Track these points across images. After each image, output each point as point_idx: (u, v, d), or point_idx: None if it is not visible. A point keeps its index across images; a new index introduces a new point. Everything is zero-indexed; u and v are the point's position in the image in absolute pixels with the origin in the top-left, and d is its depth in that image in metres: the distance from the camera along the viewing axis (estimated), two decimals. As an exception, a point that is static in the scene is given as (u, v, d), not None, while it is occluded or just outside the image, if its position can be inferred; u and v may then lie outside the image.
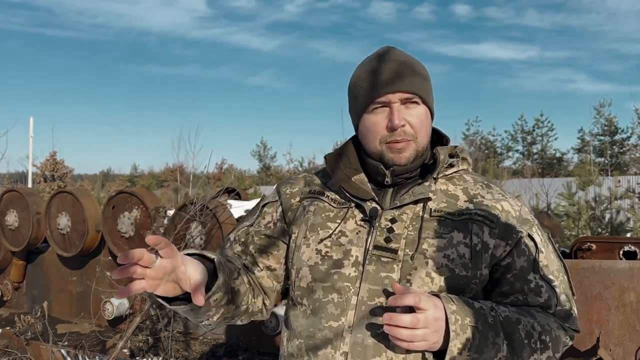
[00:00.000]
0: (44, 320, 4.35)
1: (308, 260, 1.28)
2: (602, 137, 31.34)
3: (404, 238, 1.22)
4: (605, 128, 31.15)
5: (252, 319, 1.42)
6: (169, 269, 1.11)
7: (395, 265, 1.21)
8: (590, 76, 66.48)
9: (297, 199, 1.39)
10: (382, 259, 1.21)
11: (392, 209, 1.26)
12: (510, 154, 36.69)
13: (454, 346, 1.11)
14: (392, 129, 1.25)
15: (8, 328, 4.48)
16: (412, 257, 1.20)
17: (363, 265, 1.22)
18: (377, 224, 1.24)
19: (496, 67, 66.95)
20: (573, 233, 7.47)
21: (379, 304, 1.19)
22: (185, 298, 1.19)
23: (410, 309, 1.12)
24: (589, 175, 8.76)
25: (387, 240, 1.23)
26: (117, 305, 4.05)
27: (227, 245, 1.46)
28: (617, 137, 31.26)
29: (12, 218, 4.72)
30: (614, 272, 2.75)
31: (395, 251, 1.21)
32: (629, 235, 7.39)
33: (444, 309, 1.12)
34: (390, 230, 1.23)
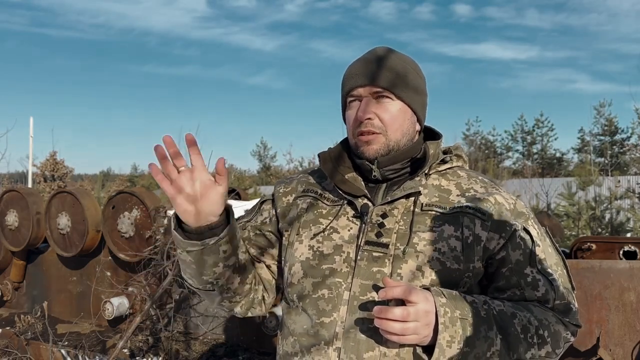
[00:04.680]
0: (44, 320, 4.35)
1: (300, 256, 1.29)
2: (602, 137, 31.36)
3: (394, 232, 1.22)
4: (605, 128, 31.17)
5: (251, 309, 1.42)
6: (193, 177, 1.15)
7: (386, 260, 1.20)
8: (590, 76, 66.53)
9: (290, 197, 1.40)
10: (374, 254, 1.21)
11: (384, 204, 1.26)
12: (510, 154, 36.73)
13: (443, 339, 1.10)
14: (357, 120, 1.28)
15: (8, 328, 4.48)
16: (403, 252, 1.20)
17: (355, 261, 1.22)
18: (368, 220, 1.25)
19: (497, 67, 67.03)
20: (573, 233, 7.47)
21: (371, 299, 1.18)
22: (198, 234, 1.21)
23: (402, 303, 1.11)
24: (589, 175, 8.76)
25: (378, 235, 1.23)
26: (117, 305, 4.05)
27: None
28: (617, 137, 31.28)
29: (12, 218, 4.72)
30: (614, 272, 2.75)
31: (386, 245, 1.21)
32: (629, 235, 7.38)
33: (434, 303, 1.11)
34: (381, 225, 1.24)
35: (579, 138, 34.42)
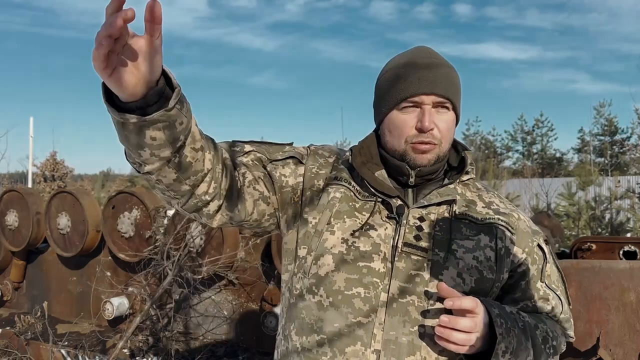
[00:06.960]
0: (44, 320, 4.36)
1: (332, 248, 1.24)
2: (602, 137, 31.34)
3: (432, 237, 1.23)
4: (605, 128, 31.16)
5: (194, 211, 1.22)
6: (125, 34, 0.89)
7: (425, 264, 1.20)
8: (591, 76, 66.40)
9: (321, 181, 1.31)
10: (412, 256, 1.21)
11: (419, 207, 1.26)
12: (510, 154, 36.69)
13: (500, 349, 1.14)
14: (421, 130, 1.24)
15: (8, 328, 4.48)
16: (444, 258, 1.21)
17: (392, 262, 1.21)
18: (405, 222, 1.24)
19: (497, 67, 66.94)
20: (573, 233, 7.47)
21: (410, 302, 1.18)
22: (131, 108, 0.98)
23: (448, 311, 1.14)
24: (589, 175, 8.76)
25: (417, 238, 1.22)
26: (117, 305, 4.05)
27: (237, 148, 1.30)
28: (617, 137, 31.25)
29: (12, 218, 4.72)
30: (614, 272, 2.75)
31: (425, 250, 1.21)
32: (629, 235, 7.38)
33: (488, 314, 1.15)
34: (420, 228, 1.23)
35: (579, 138, 34.39)
